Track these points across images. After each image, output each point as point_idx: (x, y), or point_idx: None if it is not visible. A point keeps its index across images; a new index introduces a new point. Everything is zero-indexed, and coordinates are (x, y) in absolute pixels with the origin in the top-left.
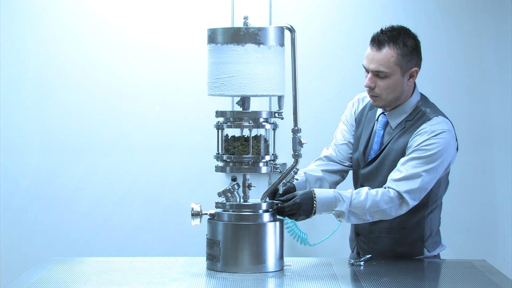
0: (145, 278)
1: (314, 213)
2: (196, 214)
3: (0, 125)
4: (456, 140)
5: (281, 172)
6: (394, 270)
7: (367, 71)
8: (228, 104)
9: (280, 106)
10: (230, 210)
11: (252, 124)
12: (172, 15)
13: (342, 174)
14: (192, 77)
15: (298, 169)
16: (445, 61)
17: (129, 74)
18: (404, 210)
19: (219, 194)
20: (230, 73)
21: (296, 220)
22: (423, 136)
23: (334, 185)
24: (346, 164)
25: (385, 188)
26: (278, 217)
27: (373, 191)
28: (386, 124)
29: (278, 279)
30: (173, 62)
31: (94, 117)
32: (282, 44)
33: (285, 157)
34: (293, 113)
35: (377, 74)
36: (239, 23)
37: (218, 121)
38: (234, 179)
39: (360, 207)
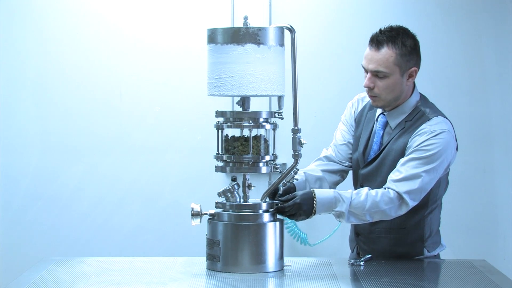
0: (145, 278)
1: (314, 213)
2: (196, 214)
3: (0, 125)
4: (456, 140)
5: (281, 172)
6: (394, 270)
7: (366, 71)
8: (228, 104)
9: (280, 106)
10: (230, 210)
11: (252, 124)
12: (172, 15)
13: (342, 174)
14: (192, 77)
15: (298, 169)
16: (445, 61)
17: (129, 74)
18: (404, 210)
19: (219, 194)
20: (230, 73)
21: (296, 220)
22: (423, 137)
23: (334, 185)
24: (346, 164)
25: (385, 188)
26: (278, 217)
27: (373, 191)
28: (386, 124)
29: (278, 279)
30: (173, 62)
31: (94, 117)
32: (282, 44)
33: (285, 157)
34: (293, 113)
35: (376, 74)
36: (239, 23)
37: (218, 121)
38: (234, 179)
39: (360, 207)
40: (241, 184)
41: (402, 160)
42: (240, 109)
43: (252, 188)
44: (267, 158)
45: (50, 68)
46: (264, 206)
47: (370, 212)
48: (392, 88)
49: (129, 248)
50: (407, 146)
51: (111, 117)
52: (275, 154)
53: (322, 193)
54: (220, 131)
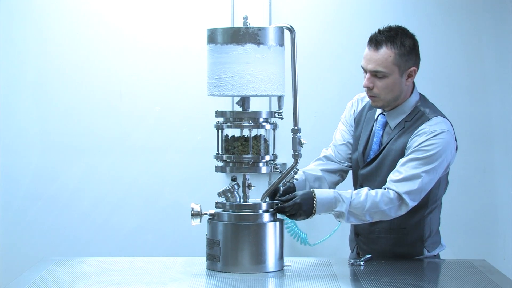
0: (145, 278)
1: (314, 213)
2: (196, 214)
3: (0, 125)
4: (456, 140)
5: (281, 172)
6: (394, 270)
7: (365, 71)
8: (228, 104)
9: (280, 106)
10: (230, 210)
11: (252, 124)
12: (172, 15)
13: (342, 174)
14: (192, 77)
15: (298, 169)
16: (445, 61)
17: (129, 74)
18: (403, 211)
19: (219, 194)
20: (230, 73)
21: (296, 220)
22: (423, 137)
23: (333, 185)
24: (345, 164)
25: (385, 189)
26: (278, 216)
27: (373, 192)
28: (385, 124)
29: (278, 279)
30: (173, 62)
31: (94, 117)
32: (282, 44)
33: (285, 157)
34: (293, 113)
35: (375, 74)
36: (239, 23)
37: (218, 121)
38: (234, 179)
39: (360, 207)
40: (241, 184)
41: (401, 161)
42: (240, 109)
43: (252, 188)
44: (267, 158)
45: (50, 68)
46: (264, 206)
47: (370, 212)
48: (391, 88)
49: (129, 248)
50: (407, 146)
51: (111, 117)
52: (275, 154)
53: (322, 193)
54: (220, 131)
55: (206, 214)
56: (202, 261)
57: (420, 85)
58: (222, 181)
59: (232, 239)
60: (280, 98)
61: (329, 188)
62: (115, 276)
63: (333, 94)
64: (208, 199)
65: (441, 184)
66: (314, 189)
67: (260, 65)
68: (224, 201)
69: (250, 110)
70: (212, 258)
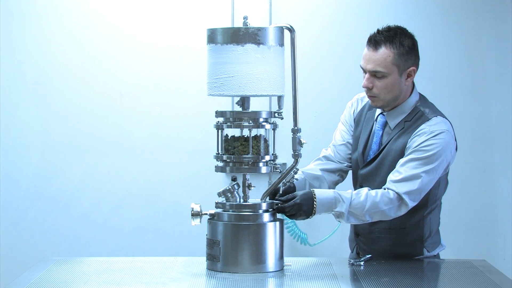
0: (145, 278)
1: (314, 214)
2: (196, 214)
3: (0, 125)
4: (455, 140)
5: (281, 172)
6: (394, 270)
7: (365, 71)
8: (228, 104)
9: (280, 106)
10: (230, 210)
11: (252, 124)
12: (172, 15)
13: (341, 174)
14: (192, 77)
15: (298, 169)
16: (445, 61)
17: (129, 74)
18: (403, 211)
19: (219, 194)
20: (230, 73)
21: (296, 220)
22: (422, 137)
23: (333, 185)
24: (345, 164)
25: (385, 189)
26: (278, 217)
27: (373, 192)
28: (385, 124)
29: (278, 279)
30: (173, 62)
31: (94, 117)
32: (281, 44)
33: (285, 157)
34: (293, 113)
35: (374, 74)
36: (239, 23)
37: (218, 121)
38: (234, 179)
39: (360, 208)
40: (241, 184)
41: (401, 161)
42: (240, 109)
43: (252, 188)
44: (267, 158)
45: (50, 68)
46: (264, 206)
47: (370, 212)
48: (391, 88)
49: (129, 248)
50: (407, 146)
51: (111, 117)
52: (275, 154)
53: (322, 193)
54: (220, 131)
55: (206, 214)
56: (202, 261)
57: (420, 85)
58: (222, 181)
59: (232, 239)
60: (280, 98)
61: (329, 188)
62: (115, 276)
63: (333, 94)
64: (208, 199)
65: (441, 184)
66: (314, 189)
67: (260, 65)
68: (224, 201)
69: (250, 110)
70: (212, 258)
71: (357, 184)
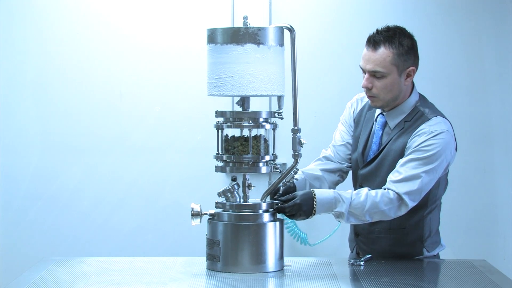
0: (145, 278)
1: (314, 214)
2: (196, 214)
3: (0, 125)
4: (455, 140)
5: (281, 172)
6: (394, 270)
7: (364, 71)
8: (228, 104)
9: (280, 106)
10: (230, 210)
11: (252, 124)
12: (172, 15)
13: (341, 174)
14: (192, 77)
15: (298, 169)
16: (445, 61)
17: (129, 74)
18: (403, 211)
19: (219, 194)
20: (230, 73)
21: (296, 220)
22: (422, 137)
23: (333, 185)
24: (345, 165)
25: (385, 189)
26: (278, 217)
27: (373, 192)
28: (385, 124)
29: (278, 279)
30: (173, 62)
31: (94, 117)
32: (281, 44)
33: (285, 157)
34: (293, 113)
35: (373, 74)
36: (239, 23)
37: (218, 121)
38: (234, 179)
39: (360, 208)
40: (241, 184)
41: (401, 161)
42: (240, 109)
43: (252, 188)
44: (267, 158)
45: (50, 68)
46: (264, 206)
47: (370, 212)
48: (390, 88)
49: (129, 248)
50: (406, 146)
51: (111, 117)
52: (275, 154)
53: (322, 194)
54: (220, 131)
55: (206, 214)
56: (202, 261)
57: (420, 85)
58: (222, 181)
59: (232, 239)
60: (280, 98)
61: (329, 188)
62: (115, 276)
63: (333, 94)
64: (208, 199)
65: (441, 184)
66: (314, 189)
67: (260, 65)
68: (224, 201)
69: (250, 110)
70: (212, 258)
71: (357, 184)
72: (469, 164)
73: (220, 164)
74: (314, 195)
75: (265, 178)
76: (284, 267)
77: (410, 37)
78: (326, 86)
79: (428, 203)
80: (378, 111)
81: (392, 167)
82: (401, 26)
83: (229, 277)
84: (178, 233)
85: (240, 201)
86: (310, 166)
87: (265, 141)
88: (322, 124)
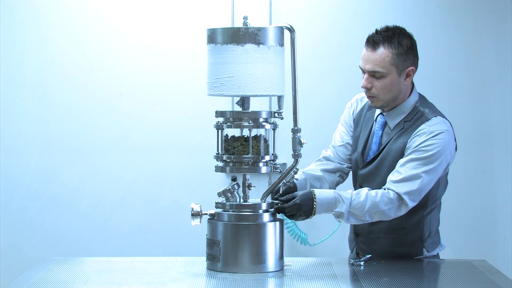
0: (145, 278)
1: (314, 214)
2: (196, 214)
3: (0, 125)
4: (455, 140)
5: (281, 172)
6: (394, 270)
7: (364, 72)
8: (228, 104)
9: (280, 106)
10: (230, 210)
11: (252, 124)
12: (172, 15)
13: (342, 175)
14: (192, 77)
15: (298, 169)
16: (445, 61)
17: (129, 74)
18: (403, 211)
19: (219, 194)
20: (230, 73)
21: (296, 220)
22: (422, 137)
23: (334, 185)
24: (345, 165)
25: (385, 189)
26: (278, 217)
27: (373, 192)
28: (385, 124)
29: (278, 279)
30: (173, 62)
31: (94, 117)
32: (281, 44)
33: (285, 157)
34: (293, 113)
35: (373, 74)
36: (239, 23)
37: (218, 121)
38: (234, 179)
39: (360, 208)
40: (241, 184)
41: (401, 161)
42: (240, 109)
43: (252, 188)
44: (267, 158)
45: (50, 68)
46: (264, 206)
47: (370, 212)
48: (390, 88)
49: (129, 248)
50: (406, 146)
51: (111, 117)
52: (275, 154)
53: (322, 194)
54: (220, 131)
55: (206, 214)
56: (202, 261)
57: (420, 85)
58: (222, 181)
59: (232, 239)
60: (280, 98)
61: (330, 188)
62: (115, 276)
63: (333, 94)
64: (208, 199)
65: (441, 184)
66: (314, 190)
67: (260, 65)
68: (224, 201)
69: (250, 110)
70: (212, 258)
71: (357, 184)
72: (469, 164)
73: (220, 164)
74: (314, 195)
75: (265, 178)
76: (284, 267)
77: (409, 37)
78: (326, 86)
79: (428, 203)
80: (378, 111)
81: (392, 167)
82: (400, 26)
83: (229, 277)
84: (178, 233)
85: (240, 201)
86: (310, 167)
87: (265, 141)
88: (322, 124)
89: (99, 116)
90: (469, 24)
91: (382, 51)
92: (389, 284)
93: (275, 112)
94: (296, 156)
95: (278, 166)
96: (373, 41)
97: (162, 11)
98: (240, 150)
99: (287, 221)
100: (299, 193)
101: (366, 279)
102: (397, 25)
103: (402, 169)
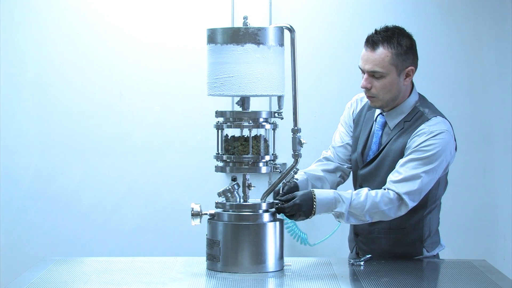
0: (145, 278)
1: (314, 214)
2: (196, 214)
3: (0, 125)
4: (455, 140)
5: (281, 172)
6: (394, 270)
7: (363, 72)
8: (228, 104)
9: (280, 106)
10: (230, 210)
11: (252, 124)
12: (172, 15)
13: (342, 175)
14: (192, 77)
15: (298, 169)
16: (445, 61)
17: (129, 74)
18: (403, 211)
19: (219, 194)
20: (230, 73)
21: (296, 220)
22: (422, 137)
23: (335, 185)
24: (345, 166)
25: (385, 189)
26: (278, 217)
27: (373, 192)
28: (385, 124)
29: (278, 279)
30: (173, 62)
31: (94, 117)
32: (281, 44)
33: (285, 157)
34: (293, 113)
35: (372, 74)
36: (239, 23)
37: (218, 121)
38: (234, 179)
39: (360, 208)
40: (241, 184)
41: (401, 161)
42: (240, 109)
43: (252, 188)
44: (267, 158)
45: (50, 68)
46: (264, 206)
47: (370, 212)
48: (389, 88)
49: (129, 248)
50: (406, 146)
51: (111, 117)
52: (275, 154)
53: (322, 194)
54: (220, 131)
55: (206, 214)
56: (202, 261)
57: (420, 85)
58: (222, 181)
59: (232, 239)
60: (280, 98)
61: (331, 188)
62: (115, 276)
63: (333, 94)
64: (208, 199)
65: (441, 184)
66: (314, 190)
67: (260, 65)
68: (224, 201)
69: (250, 110)
70: (212, 258)
71: (357, 184)
72: (469, 164)
73: (220, 164)
74: (314, 195)
75: (265, 178)
76: (284, 267)
77: (408, 37)
78: (326, 86)
79: (428, 203)
80: (377, 111)
81: (392, 167)
82: (400, 26)
83: (229, 277)
84: (178, 233)
85: (240, 201)
86: (311, 167)
87: (265, 141)
88: (322, 124)
89: (99, 116)
90: (469, 24)
91: (382, 51)
92: (389, 284)
93: (275, 112)
94: (296, 156)
95: (278, 166)
96: (372, 41)
97: (162, 11)
98: (240, 150)
99: (287, 221)
100: (299, 193)
101: (366, 279)
102: (397, 25)
103: (402, 169)
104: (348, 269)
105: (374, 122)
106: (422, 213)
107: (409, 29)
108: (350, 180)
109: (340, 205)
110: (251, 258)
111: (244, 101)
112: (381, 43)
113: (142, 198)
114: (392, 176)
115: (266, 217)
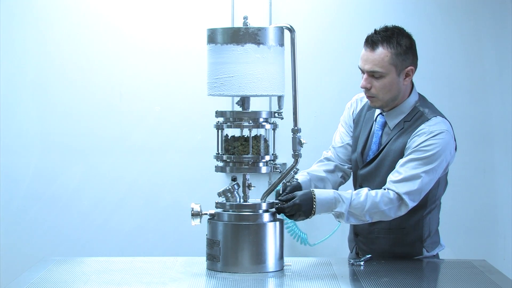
0: (145, 278)
1: (314, 214)
2: (196, 214)
3: (0, 125)
4: (455, 140)
5: (281, 172)
6: (394, 270)
7: (363, 72)
8: (228, 104)
9: (280, 106)
10: (230, 210)
11: (252, 124)
12: (172, 15)
13: (343, 175)
14: (192, 77)
15: (298, 169)
16: (445, 61)
17: (129, 74)
18: (403, 211)
19: (219, 194)
20: (230, 73)
21: (296, 220)
22: (422, 137)
23: (336, 186)
24: (346, 166)
25: (385, 189)
26: (278, 217)
27: (373, 192)
28: (384, 124)
29: (278, 279)
30: (173, 62)
31: (94, 117)
32: (282, 44)
33: (285, 157)
34: (293, 113)
35: (372, 74)
36: (239, 23)
37: (218, 121)
38: (234, 179)
39: (360, 208)
40: (241, 184)
41: (401, 161)
42: (240, 109)
43: (252, 188)
44: (267, 158)
45: (50, 68)
46: (264, 206)
47: (370, 212)
48: (389, 88)
49: (129, 248)
50: (406, 146)
51: (111, 117)
52: (275, 154)
53: (322, 194)
54: (220, 131)
55: (206, 214)
56: (202, 261)
57: (420, 85)
58: (222, 181)
59: (232, 239)
60: (280, 98)
61: (333, 188)
62: (115, 276)
63: (333, 94)
64: (208, 199)
65: (440, 184)
66: (314, 190)
67: (260, 65)
68: (224, 201)
69: (250, 110)
70: (212, 258)
71: (357, 184)
72: (469, 164)
73: (220, 164)
74: (314, 195)
75: (265, 178)
76: (284, 267)
77: (408, 37)
78: (326, 86)
79: (427, 203)
80: (377, 111)
81: (391, 167)
82: (399, 26)
83: (229, 277)
84: (178, 233)
85: (240, 201)
86: (312, 168)
87: (265, 141)
88: (322, 124)
89: (99, 116)
90: (469, 24)
91: (381, 51)
92: (389, 284)
93: (275, 112)
94: (296, 156)
95: (278, 166)
96: (372, 41)
97: (162, 11)
98: (240, 150)
99: (287, 221)
100: (298, 193)
101: (366, 279)
102: (397, 25)
103: (402, 169)
104: (348, 269)
105: (374, 122)
106: (422, 213)
107: (409, 29)
108: (350, 180)
109: (340, 205)
110: (251, 258)
111: (244, 101)
112: (381, 43)
113: (142, 198)
114: (392, 176)
115: (266, 217)
